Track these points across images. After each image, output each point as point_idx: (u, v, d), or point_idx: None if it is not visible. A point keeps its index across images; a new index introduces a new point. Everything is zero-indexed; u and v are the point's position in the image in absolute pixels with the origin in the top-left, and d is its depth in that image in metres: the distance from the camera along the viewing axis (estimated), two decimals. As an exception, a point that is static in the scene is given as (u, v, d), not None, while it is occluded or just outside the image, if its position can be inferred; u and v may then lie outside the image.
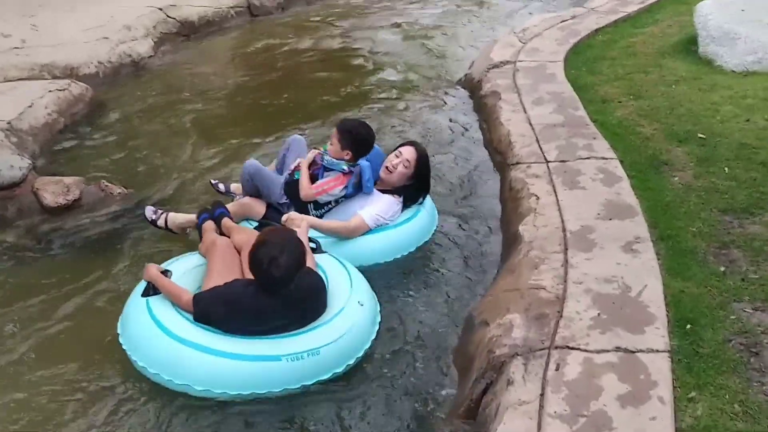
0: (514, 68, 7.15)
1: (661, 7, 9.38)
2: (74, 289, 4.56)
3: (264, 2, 10.88)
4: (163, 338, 3.57)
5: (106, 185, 5.69)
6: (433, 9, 11.28)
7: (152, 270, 3.86)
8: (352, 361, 3.73)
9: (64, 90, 7.28)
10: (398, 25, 10.50)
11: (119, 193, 5.67)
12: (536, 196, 4.81)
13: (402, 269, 4.69)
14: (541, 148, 5.45)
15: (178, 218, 4.84)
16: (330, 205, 4.69)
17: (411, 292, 4.48)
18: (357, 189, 4.69)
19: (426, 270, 4.70)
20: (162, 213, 4.88)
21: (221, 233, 4.32)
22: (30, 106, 6.76)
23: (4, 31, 8.51)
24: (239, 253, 4.08)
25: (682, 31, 8.09)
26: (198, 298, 3.64)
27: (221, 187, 5.25)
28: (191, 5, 10.09)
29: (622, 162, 5.17)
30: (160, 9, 9.72)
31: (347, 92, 7.86)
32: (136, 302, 3.82)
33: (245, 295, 3.58)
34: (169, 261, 4.18)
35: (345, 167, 4.64)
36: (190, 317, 3.63)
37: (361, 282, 4.06)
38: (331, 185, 4.64)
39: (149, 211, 4.92)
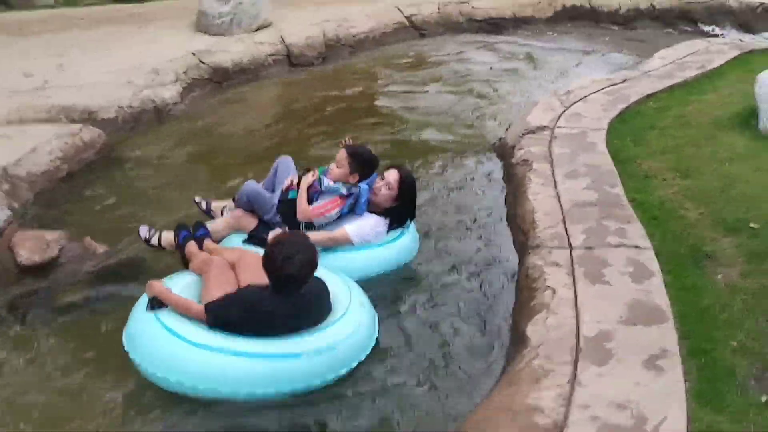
0: (552, 135, 6.53)
1: (722, 72, 8.64)
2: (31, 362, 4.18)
3: (304, 52, 10.48)
4: (183, 347, 3.65)
5: (90, 243, 5.25)
6: (483, 65, 10.71)
7: (158, 286, 3.94)
8: (363, 356, 3.92)
9: (74, 135, 6.94)
10: (444, 80, 9.98)
11: (102, 252, 5.22)
12: (552, 289, 4.17)
13: (399, 353, 4.20)
14: (566, 231, 4.81)
15: (171, 236, 4.87)
16: (322, 227, 4.80)
17: (403, 387, 3.94)
18: (351, 210, 4.85)
19: (427, 363, 4.12)
20: (155, 231, 4.97)
21: None
22: (32, 151, 6.43)
23: (28, 70, 8.28)
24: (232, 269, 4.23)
25: (744, 102, 7.34)
26: (210, 305, 3.76)
27: (203, 205, 5.33)
28: (227, 51, 9.75)
29: (657, 253, 4.50)
30: (194, 54, 9.39)
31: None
32: (144, 318, 3.86)
33: (261, 298, 3.74)
34: (164, 279, 4.18)
35: (344, 191, 4.81)
36: (202, 326, 3.73)
37: (355, 285, 4.28)
38: (329, 207, 4.78)
39: (143, 230, 4.97)
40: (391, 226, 4.90)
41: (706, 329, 3.80)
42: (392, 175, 4.87)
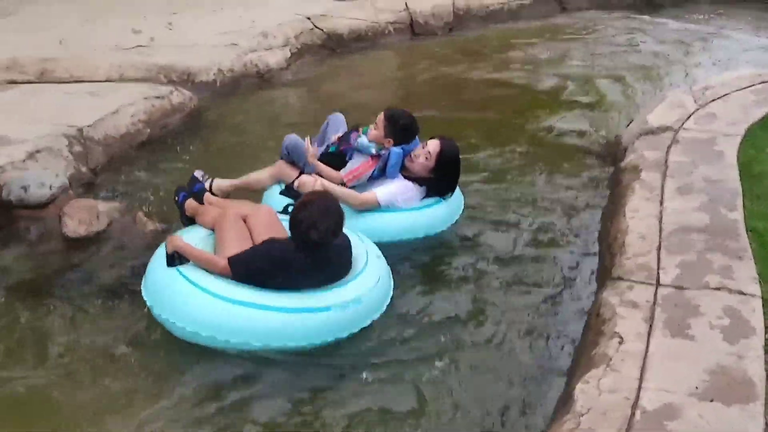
0: (674, 138, 5.62)
1: None
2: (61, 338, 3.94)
3: (429, 21, 9.87)
4: (215, 302, 3.65)
5: (141, 218, 4.95)
6: (626, 48, 9.65)
7: (178, 240, 3.90)
8: (383, 309, 3.97)
9: (162, 98, 6.70)
10: (576, 61, 9.09)
11: (151, 230, 4.89)
12: (620, 338, 3.43)
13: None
14: (659, 262, 4.01)
15: (224, 183, 5.01)
16: (354, 187, 4.77)
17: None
18: (382, 173, 4.77)
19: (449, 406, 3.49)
20: (209, 178, 5.03)
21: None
22: (114, 113, 6.24)
23: (137, 27, 8.15)
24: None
25: None
26: (235, 259, 3.74)
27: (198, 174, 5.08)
28: (344, 16, 9.29)
29: (765, 303, 3.64)
30: (308, 18, 8.99)
31: (482, 131, 6.72)
32: (167, 274, 3.85)
33: (286, 252, 3.75)
34: (178, 232, 4.21)
35: (374, 151, 4.75)
36: (225, 280, 3.74)
37: (368, 239, 4.28)
38: (361, 171, 4.75)
39: (198, 174, 5.00)
40: (428, 195, 4.79)
41: (808, 419, 2.97)
42: (433, 146, 4.68)
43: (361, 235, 4.27)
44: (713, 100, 6.33)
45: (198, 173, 5.02)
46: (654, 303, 3.66)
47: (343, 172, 4.77)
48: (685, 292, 3.74)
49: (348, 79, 8.32)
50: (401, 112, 4.84)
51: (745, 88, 6.60)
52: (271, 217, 4.24)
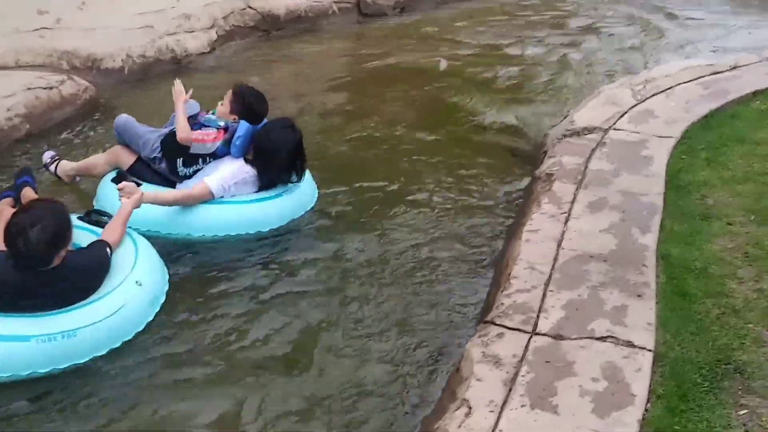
0: (600, 140, 4.99)
1: None
2: None
3: (378, 0, 9.14)
4: None
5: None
6: (590, 32, 8.99)
7: None
8: (118, 344, 3.44)
9: (50, 88, 6.08)
10: (534, 42, 8.49)
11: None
12: (468, 407, 2.83)
13: None
14: (542, 301, 3.40)
15: (67, 166, 4.80)
16: (198, 164, 4.51)
17: None
18: (227, 148, 4.48)
19: None
20: (56, 159, 4.85)
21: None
22: (-16, 106, 5.60)
23: (43, 7, 7.47)
24: None
25: None
26: None
27: (46, 156, 4.92)
28: (283, -6, 8.60)
29: (659, 359, 3.04)
30: (241, -4, 8.31)
31: (405, 125, 6.16)
32: None
33: (1, 266, 3.26)
34: None
35: (221, 124, 4.48)
36: None
37: (149, 261, 3.77)
38: (210, 137, 4.45)
39: (47, 156, 4.86)
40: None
41: None
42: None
43: (143, 256, 3.73)
44: (654, 95, 5.70)
45: (47, 155, 4.86)
46: (522, 359, 3.05)
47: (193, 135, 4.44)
48: (563, 344, 3.12)
49: (280, 66, 7.68)
50: (250, 90, 4.57)
51: (692, 80, 5.95)
52: None
